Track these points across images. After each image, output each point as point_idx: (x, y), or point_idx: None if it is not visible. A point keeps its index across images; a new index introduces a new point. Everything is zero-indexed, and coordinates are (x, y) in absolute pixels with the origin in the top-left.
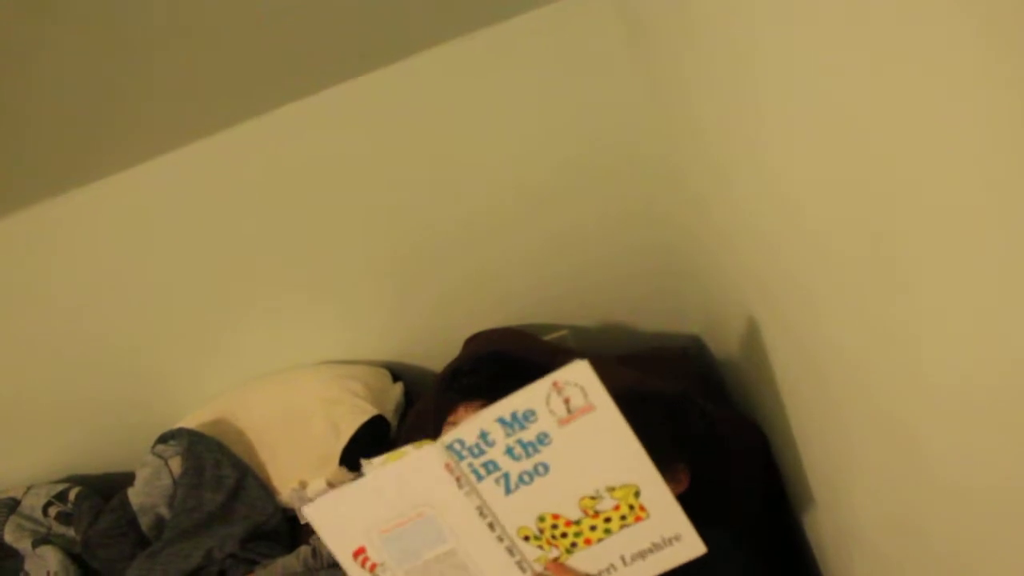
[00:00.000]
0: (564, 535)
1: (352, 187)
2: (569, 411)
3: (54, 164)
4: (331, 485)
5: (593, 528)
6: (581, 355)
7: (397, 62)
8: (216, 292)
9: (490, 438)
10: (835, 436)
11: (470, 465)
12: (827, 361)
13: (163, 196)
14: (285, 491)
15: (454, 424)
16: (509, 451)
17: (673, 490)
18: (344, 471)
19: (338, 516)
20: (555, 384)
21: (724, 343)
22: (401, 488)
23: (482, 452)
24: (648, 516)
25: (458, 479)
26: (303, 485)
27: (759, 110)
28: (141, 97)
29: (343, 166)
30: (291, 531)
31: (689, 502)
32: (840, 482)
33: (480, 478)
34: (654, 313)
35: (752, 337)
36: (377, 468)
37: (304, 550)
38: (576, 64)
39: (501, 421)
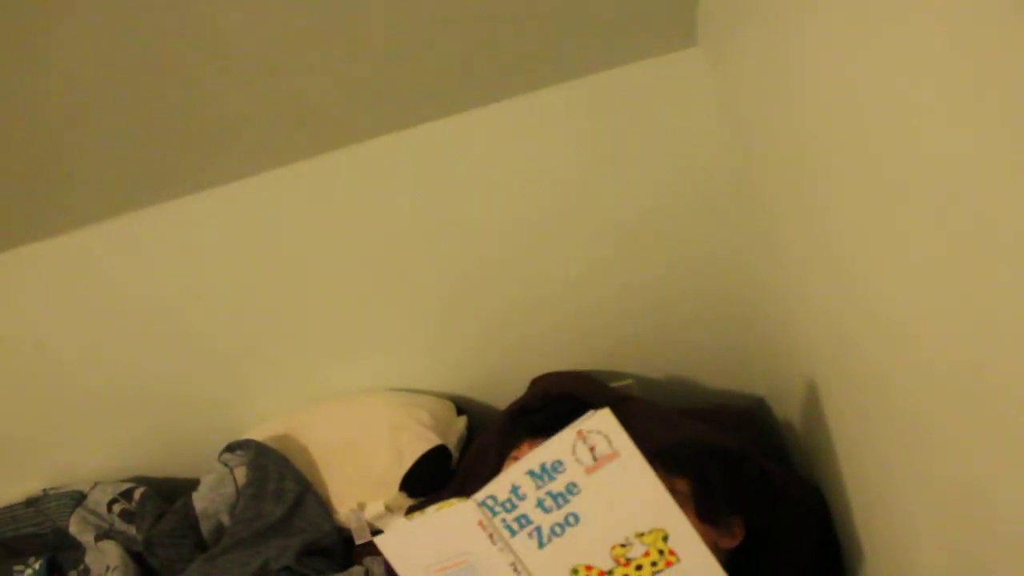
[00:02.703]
0: None
1: (434, 226)
2: (595, 458)
3: (134, 182)
4: (389, 509)
5: None
6: (640, 405)
7: (490, 104)
8: (297, 312)
9: (521, 491)
10: (900, 511)
11: (503, 521)
12: (905, 433)
13: (253, 215)
14: (343, 510)
15: (517, 460)
16: (540, 503)
17: (727, 544)
18: (403, 496)
19: (404, 550)
20: (580, 433)
21: (789, 407)
22: (447, 535)
23: (514, 507)
24: (679, 560)
25: (491, 536)
26: (362, 507)
27: (829, 184)
28: (248, 117)
29: (428, 204)
30: (345, 550)
31: (742, 558)
32: (905, 559)
33: (513, 533)
34: (720, 371)
35: (820, 404)
36: (427, 515)
37: (357, 570)
38: (663, 118)
39: (531, 474)
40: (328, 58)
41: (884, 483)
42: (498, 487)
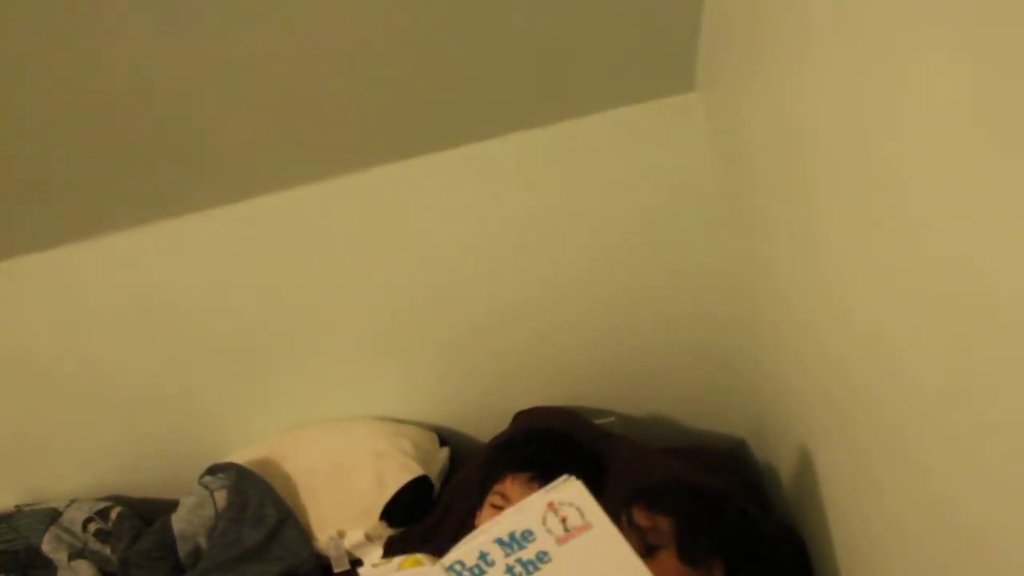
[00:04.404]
0: None
1: (420, 257)
2: (567, 529)
3: (127, 198)
4: (369, 538)
5: None
6: (623, 443)
7: (485, 141)
8: (282, 337)
9: (489, 558)
10: (886, 554)
11: None
12: (900, 481)
13: (244, 239)
14: (323, 538)
15: (500, 494)
16: (509, 570)
17: None
18: (383, 526)
19: None
20: (551, 505)
21: (770, 451)
22: None
23: (482, 572)
24: None
25: None
26: (341, 535)
27: (826, 223)
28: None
29: (413, 236)
30: None
31: None
32: None
33: None
34: (702, 412)
35: (801, 447)
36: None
37: None
38: (657, 158)
39: (499, 542)
40: (322, 90)
41: (866, 527)
42: (466, 553)
